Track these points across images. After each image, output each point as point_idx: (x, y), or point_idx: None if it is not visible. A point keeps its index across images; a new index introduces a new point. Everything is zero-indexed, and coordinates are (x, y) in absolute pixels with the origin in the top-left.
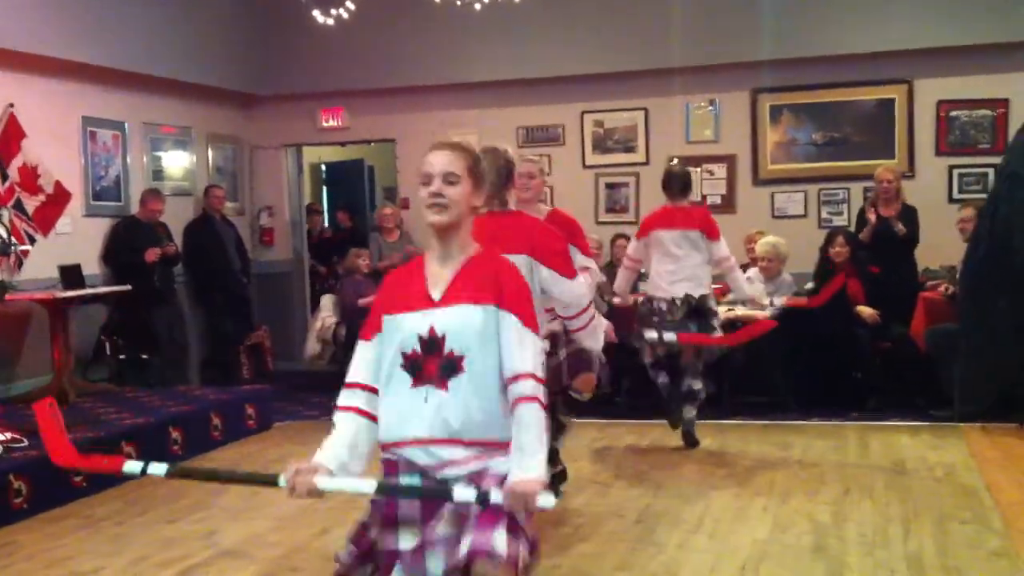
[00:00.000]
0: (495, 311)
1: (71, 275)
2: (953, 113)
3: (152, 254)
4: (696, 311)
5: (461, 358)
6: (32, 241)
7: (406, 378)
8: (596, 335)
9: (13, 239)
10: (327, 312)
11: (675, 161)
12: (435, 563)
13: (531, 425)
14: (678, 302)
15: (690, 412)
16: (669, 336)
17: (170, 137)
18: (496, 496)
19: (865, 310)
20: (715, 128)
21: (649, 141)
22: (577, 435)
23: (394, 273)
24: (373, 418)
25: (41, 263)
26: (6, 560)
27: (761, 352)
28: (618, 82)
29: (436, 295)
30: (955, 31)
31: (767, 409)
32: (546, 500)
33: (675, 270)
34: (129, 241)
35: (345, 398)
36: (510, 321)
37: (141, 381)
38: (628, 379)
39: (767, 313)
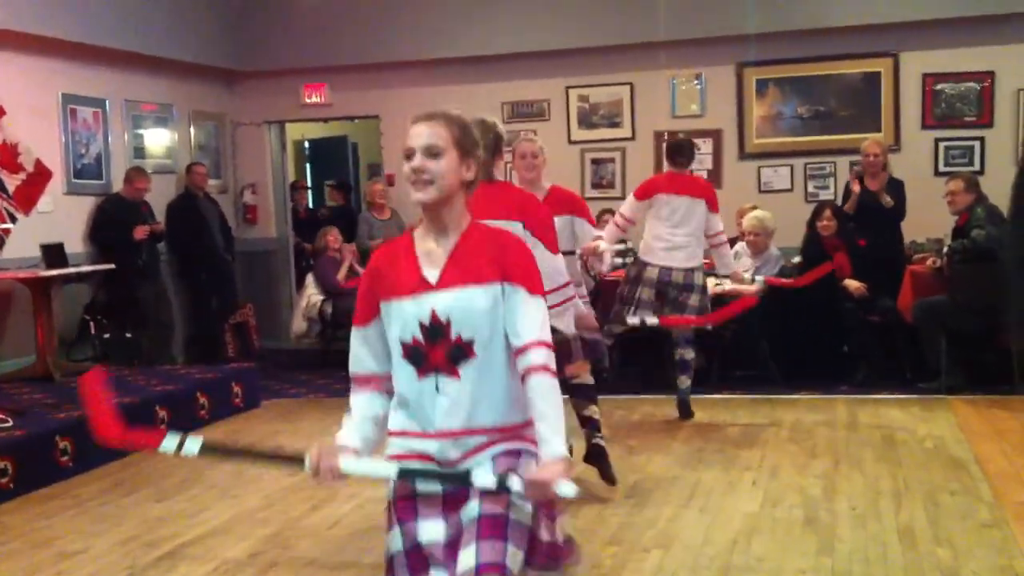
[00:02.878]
0: (501, 288)
1: (53, 254)
2: (939, 86)
3: (141, 231)
4: (685, 287)
5: (471, 342)
6: (13, 220)
7: (410, 368)
8: (566, 318)
9: None
10: (312, 290)
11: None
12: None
13: (545, 398)
14: (674, 274)
15: (685, 382)
16: (651, 320)
17: (151, 114)
18: (516, 484)
19: (852, 283)
20: (701, 102)
21: (635, 116)
22: (566, 411)
23: (380, 251)
24: (391, 392)
25: (23, 242)
26: None
27: (749, 326)
28: (603, 56)
29: (433, 278)
30: (941, 4)
31: (755, 383)
32: (566, 489)
33: (673, 237)
34: (115, 219)
35: (357, 382)
36: (516, 292)
37: (126, 360)
38: (617, 354)
39: (753, 289)
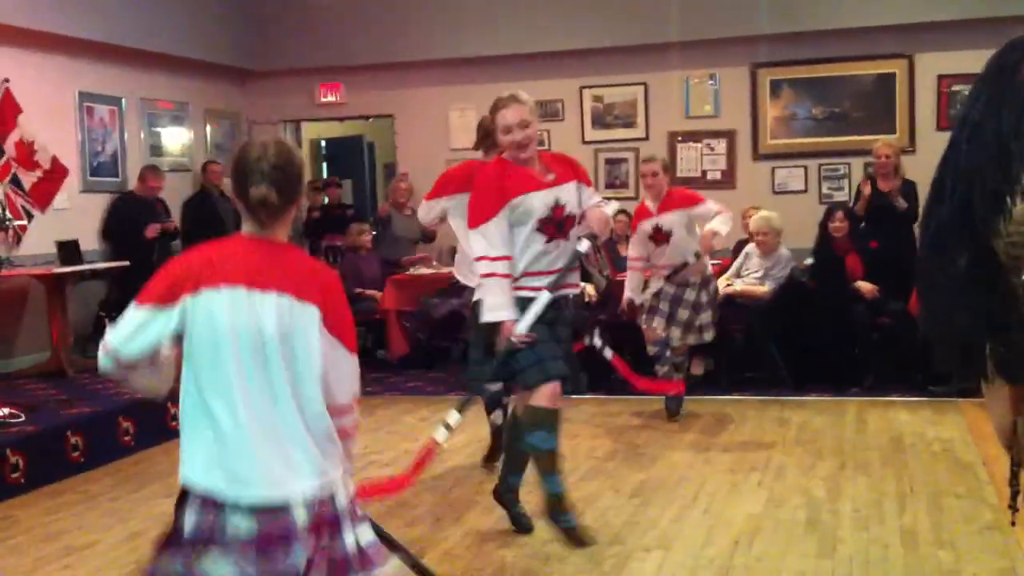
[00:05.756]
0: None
1: (69, 251)
2: (955, 88)
3: (152, 230)
4: None
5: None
6: (30, 217)
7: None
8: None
9: (9, 215)
10: None
11: None
12: None
13: None
14: None
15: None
16: None
17: (167, 113)
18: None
19: (864, 285)
20: (715, 103)
21: (648, 116)
22: (575, 411)
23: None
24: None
25: (39, 239)
26: (3, 534)
27: (759, 329)
28: (617, 57)
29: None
30: (955, 5)
31: (765, 385)
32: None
33: None
34: (128, 217)
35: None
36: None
37: None
38: (628, 355)
39: (765, 288)
